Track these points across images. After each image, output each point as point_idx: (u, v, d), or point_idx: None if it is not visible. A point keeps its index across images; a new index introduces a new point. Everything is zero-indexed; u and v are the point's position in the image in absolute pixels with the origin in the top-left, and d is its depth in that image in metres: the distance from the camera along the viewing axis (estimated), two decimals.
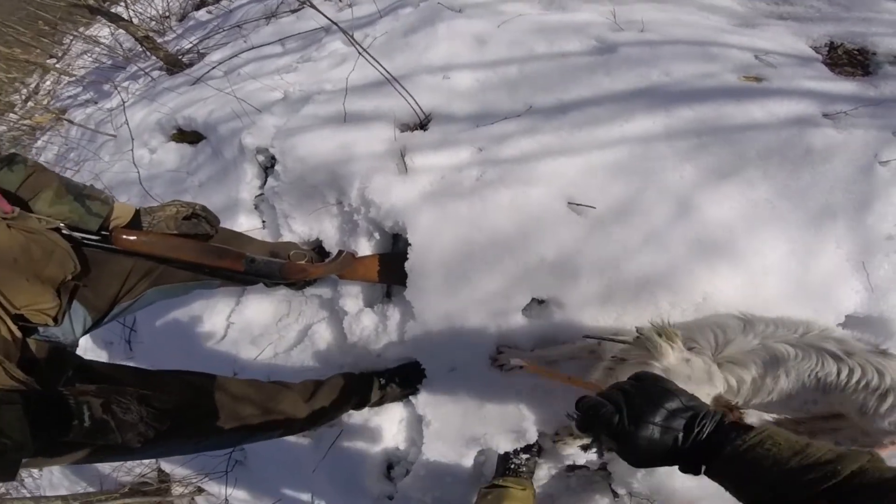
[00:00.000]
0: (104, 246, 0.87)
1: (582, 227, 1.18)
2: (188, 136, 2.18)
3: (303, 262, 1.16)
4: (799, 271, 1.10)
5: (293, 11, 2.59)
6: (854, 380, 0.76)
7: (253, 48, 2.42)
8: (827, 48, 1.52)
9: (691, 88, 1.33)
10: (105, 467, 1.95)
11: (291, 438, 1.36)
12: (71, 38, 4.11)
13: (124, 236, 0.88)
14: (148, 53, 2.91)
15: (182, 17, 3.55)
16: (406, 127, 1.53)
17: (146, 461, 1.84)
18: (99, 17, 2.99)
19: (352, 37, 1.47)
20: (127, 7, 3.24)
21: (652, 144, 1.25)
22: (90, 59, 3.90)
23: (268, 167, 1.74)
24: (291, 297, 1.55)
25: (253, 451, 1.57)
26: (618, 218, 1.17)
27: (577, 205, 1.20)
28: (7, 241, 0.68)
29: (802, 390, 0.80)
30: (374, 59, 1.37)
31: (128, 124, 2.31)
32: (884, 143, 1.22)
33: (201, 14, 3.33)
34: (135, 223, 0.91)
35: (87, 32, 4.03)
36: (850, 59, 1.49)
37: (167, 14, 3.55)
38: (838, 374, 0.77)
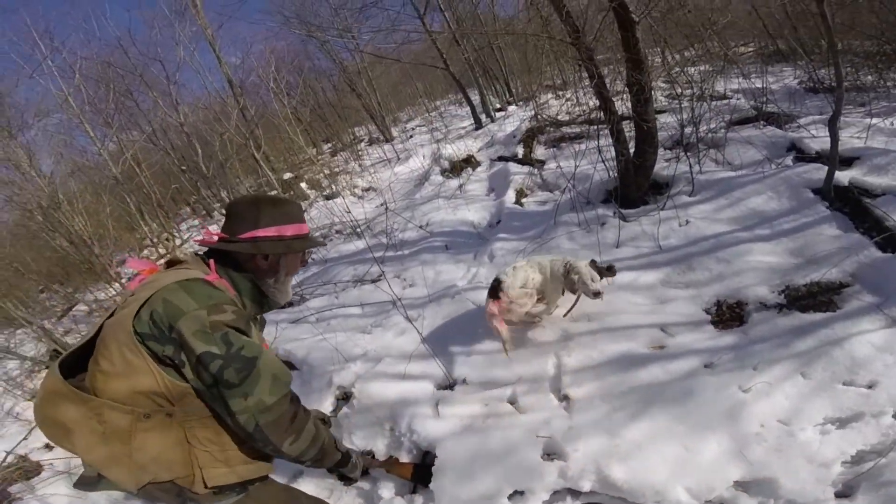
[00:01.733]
0: None
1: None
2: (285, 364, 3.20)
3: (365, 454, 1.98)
4: (693, 461, 1.69)
5: (373, 282, 3.75)
6: None
7: (343, 306, 3.54)
8: (715, 307, 2.35)
9: (618, 360, 2.18)
10: None
11: None
12: None
13: None
14: None
15: None
16: (440, 386, 2.39)
17: None
18: None
19: (410, 319, 2.55)
20: None
21: (593, 401, 2.05)
22: None
23: (340, 399, 2.50)
24: (333, 486, 2.09)
25: None
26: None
27: (542, 436, 1.95)
28: None
29: None
30: (425, 339, 2.41)
31: None
32: (745, 378, 1.92)
33: None
34: None
35: None
36: (731, 314, 2.29)
37: None
38: None
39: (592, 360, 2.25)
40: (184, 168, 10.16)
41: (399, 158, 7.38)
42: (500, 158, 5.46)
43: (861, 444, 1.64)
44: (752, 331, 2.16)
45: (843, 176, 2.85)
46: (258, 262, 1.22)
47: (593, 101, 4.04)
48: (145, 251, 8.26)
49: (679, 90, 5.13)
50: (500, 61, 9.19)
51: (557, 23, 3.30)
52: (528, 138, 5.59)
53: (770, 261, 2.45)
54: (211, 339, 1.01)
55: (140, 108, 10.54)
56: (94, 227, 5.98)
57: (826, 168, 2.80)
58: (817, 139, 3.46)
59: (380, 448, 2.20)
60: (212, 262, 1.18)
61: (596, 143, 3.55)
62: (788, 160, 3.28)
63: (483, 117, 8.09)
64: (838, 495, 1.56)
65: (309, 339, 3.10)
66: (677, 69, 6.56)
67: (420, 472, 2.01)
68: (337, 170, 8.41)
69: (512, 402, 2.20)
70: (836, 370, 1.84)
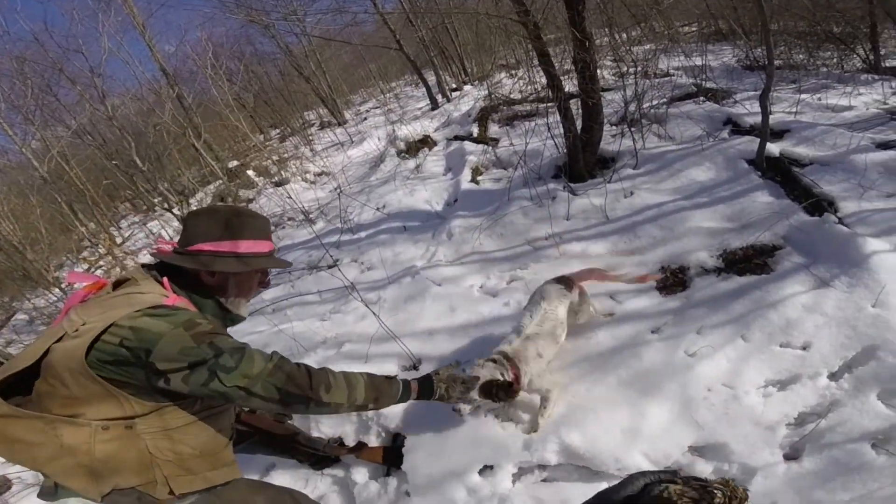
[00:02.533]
0: None
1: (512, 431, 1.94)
2: None
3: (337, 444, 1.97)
4: (646, 426, 1.76)
5: (329, 267, 3.67)
6: None
7: (299, 295, 3.46)
8: (660, 272, 2.46)
9: (571, 330, 2.21)
10: None
11: None
12: None
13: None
14: None
15: None
16: (405, 367, 2.42)
17: None
18: None
19: (367, 303, 2.51)
20: None
21: (553, 370, 2.08)
22: None
23: None
24: (308, 476, 2.09)
25: None
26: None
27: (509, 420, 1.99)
28: None
29: None
30: (383, 322, 2.37)
31: None
32: (690, 342, 2.02)
33: None
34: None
35: None
36: (675, 278, 2.41)
37: None
38: None
39: None
40: (116, 163, 9.41)
41: (353, 141, 7.17)
42: (456, 138, 5.42)
43: (801, 406, 1.73)
44: (694, 295, 2.27)
45: (775, 147, 3.03)
46: (203, 277, 1.17)
47: (544, 80, 4.06)
48: (84, 252, 7.64)
49: (625, 68, 5.28)
50: (455, 41, 9.07)
51: (508, 1, 3.26)
52: (483, 117, 5.59)
53: (709, 226, 2.58)
54: (198, 351, 1.00)
55: (62, 102, 9.68)
56: (24, 230, 5.52)
57: (759, 140, 2.96)
58: (751, 114, 3.66)
59: (349, 434, 2.18)
60: (165, 280, 1.13)
61: (546, 120, 3.58)
62: (725, 133, 3.45)
63: (439, 97, 7.99)
64: (787, 458, 1.63)
65: (266, 331, 3.00)
66: (624, 48, 6.76)
67: (391, 454, 2.01)
68: (286, 156, 8.06)
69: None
70: (772, 332, 1.95)
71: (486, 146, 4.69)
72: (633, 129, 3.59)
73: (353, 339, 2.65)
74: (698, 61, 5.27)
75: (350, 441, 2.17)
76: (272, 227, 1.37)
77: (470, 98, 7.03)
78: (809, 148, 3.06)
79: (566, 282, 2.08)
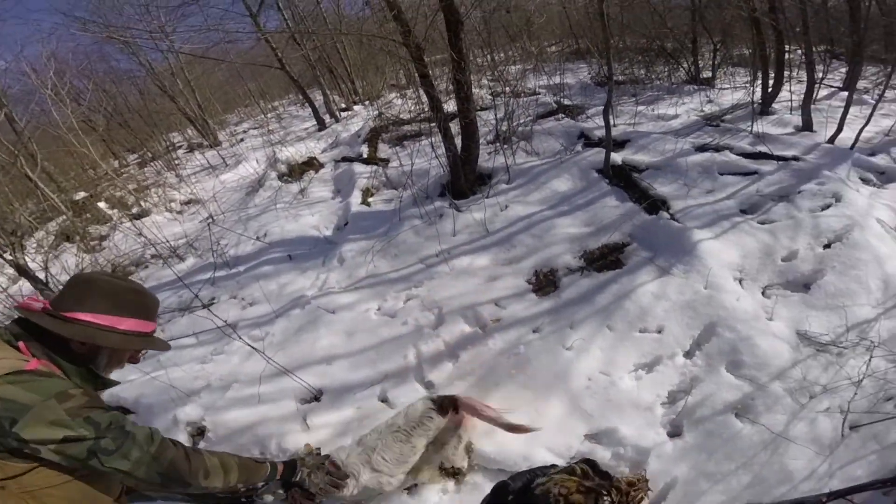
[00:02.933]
0: None
1: None
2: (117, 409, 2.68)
3: None
4: (545, 422, 1.89)
5: (205, 307, 3.31)
6: None
7: (172, 339, 3.09)
8: (534, 276, 2.69)
9: (466, 339, 2.35)
10: None
11: None
12: None
13: None
14: None
15: None
16: (304, 400, 2.31)
17: None
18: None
19: (247, 342, 2.30)
20: (47, 272, 3.73)
21: (453, 382, 2.16)
22: None
23: (195, 435, 2.26)
24: None
25: None
26: None
27: None
28: None
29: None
30: (270, 359, 2.23)
31: None
32: (566, 337, 2.23)
33: None
34: None
35: None
36: (548, 280, 2.66)
37: None
38: None
39: (447, 343, 2.37)
40: None
41: (227, 165, 6.58)
42: (345, 159, 5.31)
43: (668, 385, 1.96)
44: (564, 293, 2.53)
45: (618, 157, 3.53)
46: (74, 345, 1.11)
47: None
48: None
49: (500, 88, 5.71)
50: (344, 60, 8.92)
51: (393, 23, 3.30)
52: (373, 137, 5.57)
53: (571, 231, 2.90)
54: (73, 425, 0.97)
55: None
56: None
57: (605, 151, 3.42)
58: (600, 127, 4.21)
59: None
60: (21, 344, 1.05)
61: (430, 140, 3.71)
62: (579, 147, 3.94)
63: (327, 118, 7.76)
64: (671, 435, 1.81)
65: (138, 380, 2.65)
66: (500, 68, 7.31)
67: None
68: (147, 183, 7.10)
69: (383, 399, 2.20)
70: (631, 320, 2.22)
71: (376, 167, 4.68)
72: (505, 146, 3.89)
73: (242, 380, 2.45)
74: (561, 79, 5.91)
75: None
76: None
77: (360, 118, 6.94)
78: (645, 155, 3.63)
79: (443, 405, 1.81)
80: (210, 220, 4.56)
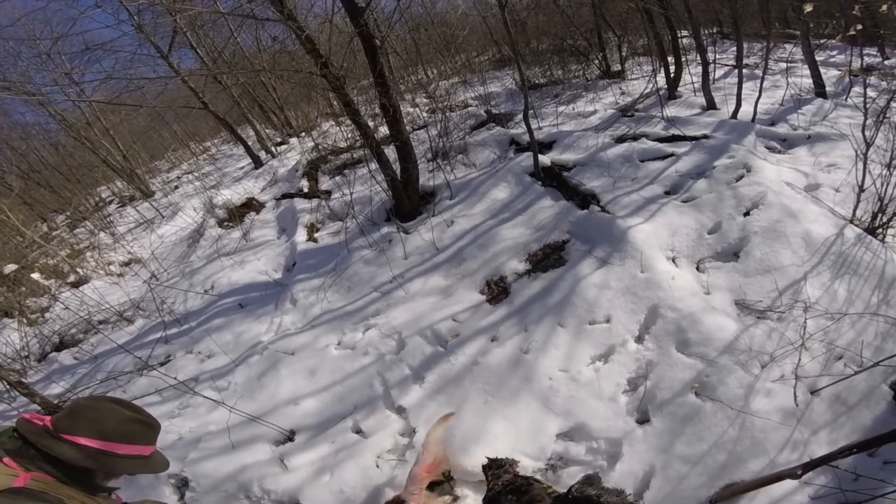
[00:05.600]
0: None
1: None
2: None
3: None
4: (518, 429, 1.96)
5: (161, 364, 3.19)
6: None
7: (135, 398, 2.94)
8: (486, 286, 2.79)
9: (430, 359, 2.39)
10: None
11: None
12: None
13: None
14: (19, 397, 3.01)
15: (41, 358, 3.83)
16: (279, 442, 2.31)
17: None
18: None
19: (204, 396, 2.24)
20: None
21: (424, 405, 2.19)
22: None
23: (180, 486, 2.25)
24: None
25: None
26: None
27: (390, 459, 2.01)
28: None
29: None
30: (233, 408, 2.21)
31: None
32: (522, 340, 2.33)
33: (64, 356, 3.69)
34: None
35: None
36: (499, 288, 2.76)
37: (26, 353, 3.85)
38: None
39: (411, 364, 2.42)
40: None
41: (163, 217, 6.27)
42: (286, 196, 5.20)
43: (626, 372, 2.02)
44: (515, 299, 2.63)
45: (546, 158, 3.72)
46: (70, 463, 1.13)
47: (371, 125, 4.22)
48: None
49: (435, 104, 5.83)
50: (273, 93, 8.72)
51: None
52: (312, 170, 5.48)
53: (514, 236, 3.02)
54: None
55: None
56: None
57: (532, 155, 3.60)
58: (526, 133, 4.40)
59: None
60: (6, 460, 1.05)
61: (368, 166, 3.73)
62: (511, 153, 4.11)
63: (262, 154, 7.57)
64: (639, 423, 1.85)
65: None
66: (433, 85, 7.45)
67: None
68: (81, 247, 6.64)
69: (356, 430, 2.21)
70: (580, 314, 2.32)
71: (318, 200, 4.63)
72: (444, 162, 3.99)
73: (212, 430, 2.41)
74: (489, 88, 6.12)
75: None
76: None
77: (296, 151, 6.83)
78: (571, 153, 3.84)
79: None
80: (153, 278, 4.33)
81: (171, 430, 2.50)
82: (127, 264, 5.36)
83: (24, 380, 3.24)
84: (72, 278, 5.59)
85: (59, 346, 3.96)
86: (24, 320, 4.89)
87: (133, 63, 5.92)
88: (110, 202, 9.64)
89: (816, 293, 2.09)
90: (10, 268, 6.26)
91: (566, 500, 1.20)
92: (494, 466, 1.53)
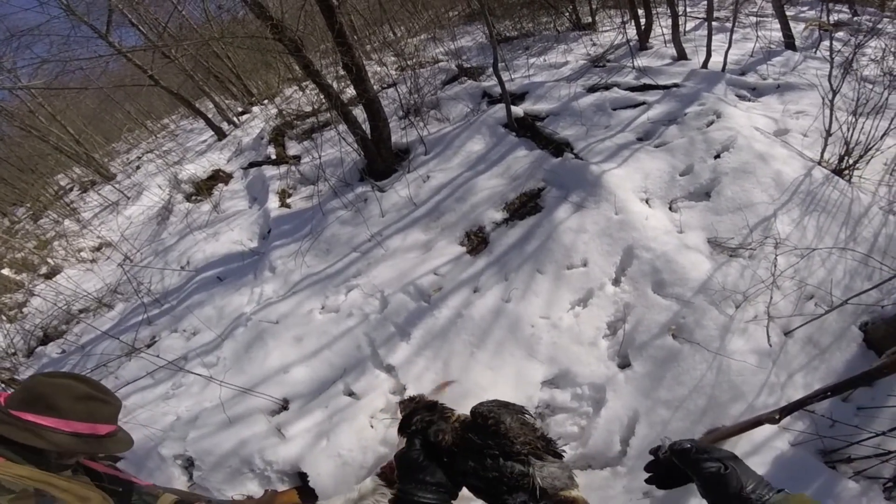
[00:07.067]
0: None
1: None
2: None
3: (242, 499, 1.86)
4: (505, 380, 2.01)
5: (148, 346, 3.18)
6: None
7: (128, 383, 2.93)
8: (466, 238, 2.80)
9: (414, 314, 2.41)
10: None
11: None
12: None
13: None
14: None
15: (29, 354, 3.80)
16: (274, 412, 2.32)
17: None
18: None
19: (197, 374, 2.24)
20: None
21: (412, 361, 2.22)
22: None
23: (187, 466, 2.29)
24: None
25: None
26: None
27: (383, 418, 2.06)
28: None
29: None
30: (223, 381, 2.21)
31: None
32: (503, 290, 2.37)
33: (51, 349, 3.65)
34: None
35: None
36: (478, 239, 2.77)
37: (13, 350, 3.81)
38: None
39: (396, 322, 2.43)
40: None
41: (128, 198, 6.01)
42: (252, 165, 5.05)
43: (605, 316, 2.05)
44: (495, 248, 2.65)
45: (519, 109, 3.67)
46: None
47: (336, 87, 4.06)
48: None
49: (404, 62, 5.62)
50: (227, 63, 8.23)
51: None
52: (278, 136, 5.32)
53: (491, 186, 3.01)
54: None
55: None
56: None
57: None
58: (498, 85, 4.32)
59: (254, 490, 2.06)
60: None
61: (336, 129, 3.61)
62: (484, 105, 4.03)
63: (224, 125, 7.25)
64: (620, 367, 1.87)
65: None
66: (403, 42, 7.15)
67: (306, 490, 1.97)
68: (47, 236, 6.35)
69: (348, 393, 2.24)
70: (558, 259, 2.35)
71: (287, 166, 4.49)
72: (417, 118, 3.90)
73: (207, 407, 2.42)
74: (460, 43, 5.92)
75: (259, 495, 2.01)
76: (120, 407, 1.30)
77: (260, 119, 6.57)
78: (544, 103, 3.79)
79: (388, 478, 1.75)
80: (127, 261, 4.19)
81: (168, 412, 2.50)
82: (98, 249, 5.17)
83: (16, 377, 3.17)
84: (44, 270, 5.38)
85: (45, 340, 3.88)
86: (4, 318, 4.73)
87: (69, 45, 5.46)
88: (70, 189, 9.16)
89: (787, 230, 2.15)
90: None
91: (473, 415, 1.21)
92: (407, 400, 1.57)
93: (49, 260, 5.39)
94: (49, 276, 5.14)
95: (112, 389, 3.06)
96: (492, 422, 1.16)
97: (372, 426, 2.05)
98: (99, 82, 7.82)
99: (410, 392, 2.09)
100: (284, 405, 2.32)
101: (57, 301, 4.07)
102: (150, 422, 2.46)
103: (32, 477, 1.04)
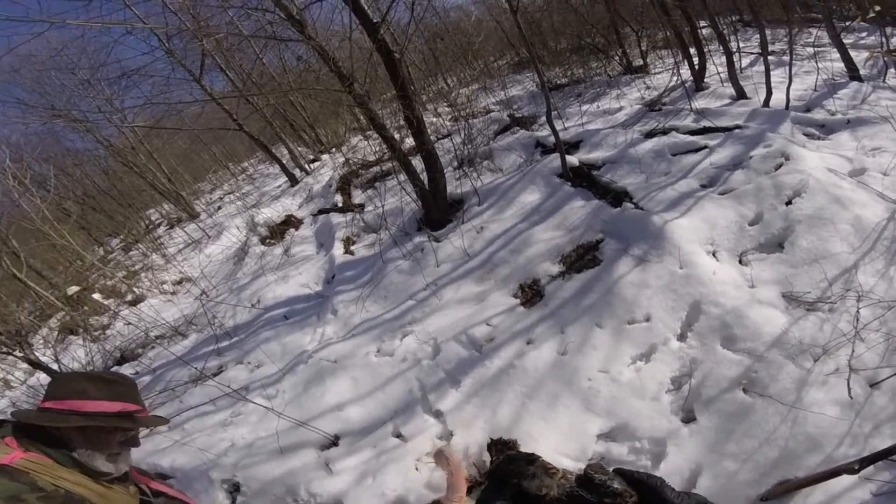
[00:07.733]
0: None
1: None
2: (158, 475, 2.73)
3: None
4: (558, 430, 1.97)
5: (214, 376, 3.38)
6: None
7: (191, 408, 3.12)
8: (519, 290, 2.80)
9: (465, 363, 2.43)
10: None
11: None
12: None
13: None
14: None
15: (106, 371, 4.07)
16: (323, 447, 2.40)
17: None
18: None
19: (258, 403, 2.37)
20: (59, 363, 3.79)
21: (462, 408, 2.23)
22: None
23: (232, 491, 2.36)
24: None
25: None
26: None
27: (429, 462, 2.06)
28: None
29: None
30: (282, 413, 2.35)
31: None
32: (559, 342, 2.33)
33: (125, 370, 3.94)
34: None
35: None
36: (532, 291, 2.77)
37: (92, 367, 4.14)
38: None
39: (447, 368, 2.47)
40: None
41: (209, 237, 6.65)
42: (321, 211, 5.41)
43: (669, 371, 1.98)
44: (550, 301, 2.63)
45: (574, 158, 3.71)
46: (49, 430, 1.16)
47: (397, 137, 4.35)
48: None
49: (457, 112, 5.91)
50: (301, 112, 9.06)
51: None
52: (344, 185, 5.69)
53: (546, 239, 3.03)
54: None
55: None
56: None
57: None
58: (553, 134, 4.40)
59: None
60: (8, 439, 1.09)
61: (396, 179, 3.84)
62: (537, 156, 4.11)
63: (297, 171, 7.88)
64: (684, 421, 1.81)
65: (168, 447, 2.74)
66: (455, 93, 7.54)
67: None
68: (135, 268, 7.15)
69: (396, 435, 2.27)
70: (618, 314, 2.29)
71: (352, 214, 4.78)
72: (470, 168, 4.05)
73: (262, 436, 2.54)
74: (510, 92, 6.14)
75: None
76: (136, 387, 1.37)
77: (328, 167, 7.08)
78: (600, 151, 3.81)
79: None
80: (204, 295, 4.61)
81: (225, 439, 2.65)
82: (179, 283, 5.74)
83: None
84: (129, 297, 6.04)
85: (121, 360, 4.28)
86: (89, 337, 5.34)
87: (168, 87, 6.23)
88: (159, 224, 10.28)
89: (870, 281, 1.99)
90: (74, 289, 6.84)
91: (578, 480, 1.32)
92: (499, 443, 1.59)
93: (135, 289, 6.04)
94: (133, 303, 5.75)
95: (175, 413, 3.26)
96: (609, 482, 1.26)
97: (417, 469, 2.05)
98: (192, 124, 8.89)
99: (458, 439, 2.07)
100: (335, 441, 2.39)
101: (138, 326, 4.52)
102: (206, 446, 2.60)
103: (72, 480, 1.07)
